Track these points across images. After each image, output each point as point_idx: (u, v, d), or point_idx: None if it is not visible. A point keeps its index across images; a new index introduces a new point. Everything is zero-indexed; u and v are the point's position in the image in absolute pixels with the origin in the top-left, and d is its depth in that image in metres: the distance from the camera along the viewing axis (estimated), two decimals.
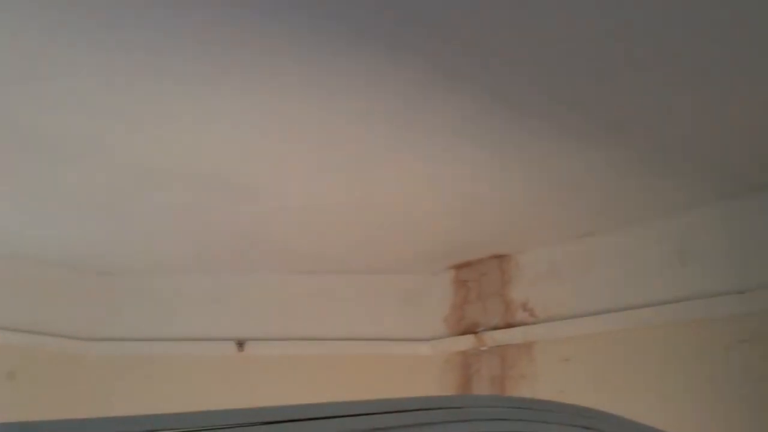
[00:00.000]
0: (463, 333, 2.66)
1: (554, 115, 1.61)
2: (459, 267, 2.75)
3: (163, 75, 1.46)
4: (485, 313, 2.61)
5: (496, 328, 2.54)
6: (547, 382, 2.32)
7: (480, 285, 2.65)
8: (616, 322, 2.17)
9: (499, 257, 2.60)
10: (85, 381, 2.78)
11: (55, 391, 2.75)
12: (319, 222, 2.35)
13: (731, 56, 1.35)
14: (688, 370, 1.95)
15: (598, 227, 2.26)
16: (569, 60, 1.38)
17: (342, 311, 2.86)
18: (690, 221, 2.07)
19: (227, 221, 2.34)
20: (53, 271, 2.83)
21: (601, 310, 2.22)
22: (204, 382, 2.75)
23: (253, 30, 1.31)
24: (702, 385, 1.93)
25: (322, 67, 1.43)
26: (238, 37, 1.33)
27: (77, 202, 2.19)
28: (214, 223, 2.36)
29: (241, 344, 2.85)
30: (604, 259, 2.27)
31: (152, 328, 2.83)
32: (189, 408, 0.81)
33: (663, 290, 2.08)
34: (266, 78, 1.47)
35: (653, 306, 2.09)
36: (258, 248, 2.61)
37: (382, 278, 2.86)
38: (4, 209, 2.28)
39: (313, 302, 2.89)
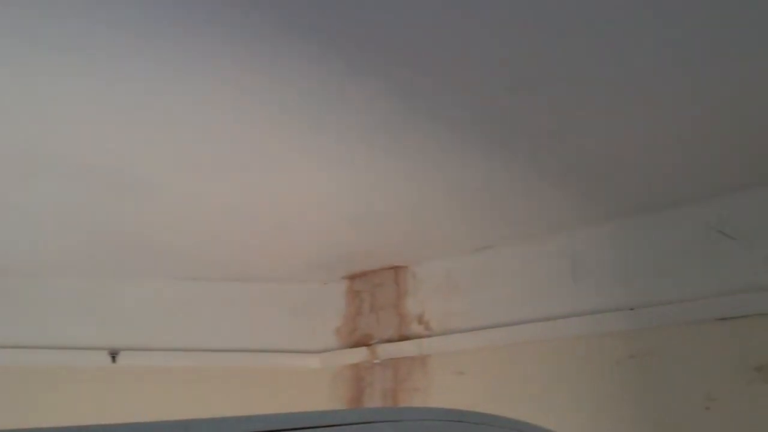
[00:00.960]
0: (356, 345, 2.60)
1: (460, 125, 1.58)
2: (353, 277, 2.69)
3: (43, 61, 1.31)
4: (379, 326, 2.56)
5: (389, 340, 2.50)
6: (440, 395, 2.31)
7: (374, 296, 2.61)
8: (511, 336, 2.19)
9: (396, 268, 2.57)
10: None
11: None
12: (208, 225, 2.21)
13: (627, 77, 1.39)
14: (579, 385, 2.00)
15: (496, 240, 2.29)
16: (481, 71, 1.36)
17: (226, 321, 2.72)
18: (583, 238, 2.13)
19: (112, 220, 2.15)
20: None
21: (496, 323, 2.23)
22: (75, 393, 2.51)
23: (148, 24, 1.20)
24: (592, 399, 1.98)
25: (225, 62, 1.33)
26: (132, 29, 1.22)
27: None
28: (97, 222, 2.16)
29: (114, 354, 2.64)
30: (501, 272, 2.29)
31: (22, 334, 2.55)
32: (59, 422, 0.73)
33: (556, 305, 2.13)
34: (165, 71, 1.36)
35: (546, 321, 2.13)
36: (142, 251, 2.42)
37: (271, 287, 2.75)
38: None
39: (195, 310, 2.72)
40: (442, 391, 2.32)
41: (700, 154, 1.71)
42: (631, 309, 1.97)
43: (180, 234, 2.28)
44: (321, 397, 2.58)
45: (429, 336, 2.40)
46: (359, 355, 2.57)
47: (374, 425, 0.74)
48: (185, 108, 1.52)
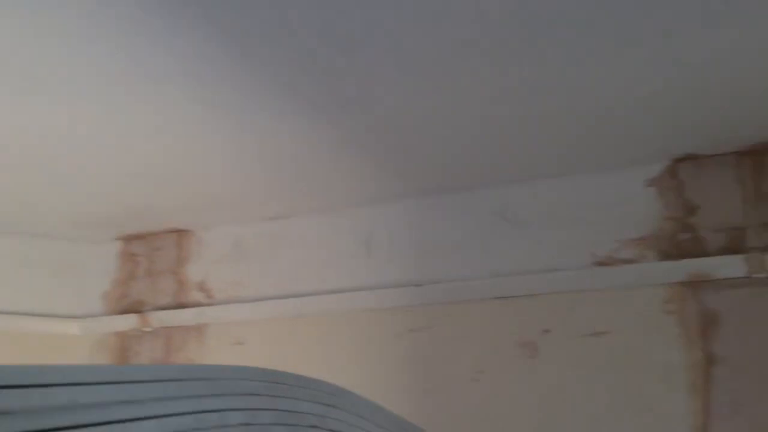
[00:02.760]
0: (125, 312, 2.39)
1: (261, 83, 1.49)
2: (129, 239, 2.47)
3: None
4: (154, 292, 2.38)
5: (165, 308, 2.33)
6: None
7: (152, 260, 2.41)
8: (297, 307, 2.15)
9: (179, 232, 2.40)
10: None
11: None
12: None
13: (455, 52, 1.41)
14: (359, 357, 2.02)
15: (292, 210, 2.23)
16: (290, 29, 1.29)
17: None
18: (380, 214, 2.16)
19: None
20: None
21: (283, 294, 2.18)
22: None
23: None
24: (370, 371, 2.02)
25: None
26: None
27: None
28: None
29: None
30: (294, 243, 2.24)
31: None
32: None
33: (345, 279, 2.13)
34: None
35: (334, 293, 2.13)
36: None
37: (30, 243, 2.42)
38: None
39: None
40: (217, 362, 2.22)
41: (489, 143, 1.81)
42: (418, 285, 2.04)
43: None
44: None
45: (210, 305, 2.28)
46: (127, 322, 2.36)
47: (185, 383, 0.65)
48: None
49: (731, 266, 1.76)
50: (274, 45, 1.36)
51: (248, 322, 2.20)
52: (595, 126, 1.74)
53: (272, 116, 1.65)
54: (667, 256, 1.83)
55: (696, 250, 1.81)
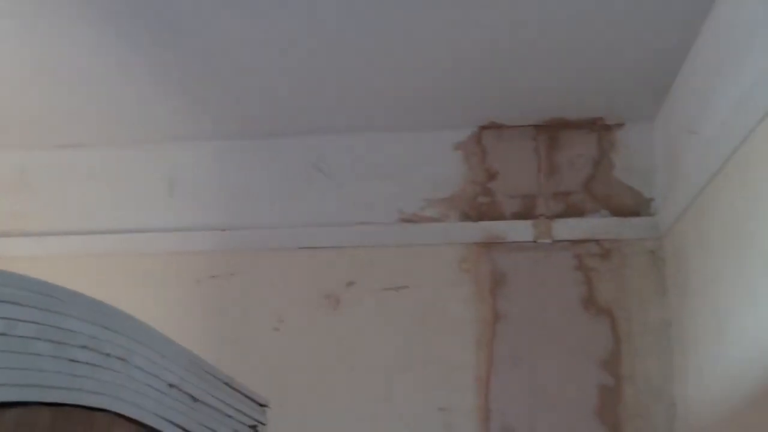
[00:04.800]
0: None
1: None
2: None
3: None
4: None
5: None
6: None
7: None
8: (87, 245, 1.99)
9: None
10: None
11: None
12: None
13: None
14: (159, 302, 1.90)
15: (89, 139, 2.03)
16: None
17: None
18: (186, 152, 2.05)
19: None
20: None
21: (73, 230, 2.00)
22: None
23: None
24: (167, 316, 1.91)
25: None
26: None
27: None
28: None
29: None
30: (87, 175, 2.06)
31: None
32: None
33: (147, 218, 2.01)
34: None
35: (132, 233, 1.99)
36: None
37: None
38: None
39: None
40: None
41: (306, 93, 1.78)
42: (223, 230, 1.97)
43: None
44: None
45: None
46: None
47: None
48: None
49: (521, 231, 1.89)
50: None
51: (31, 257, 1.98)
52: (410, 87, 1.78)
53: (71, 24, 1.49)
54: (466, 217, 1.93)
55: (492, 213, 1.93)
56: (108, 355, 0.74)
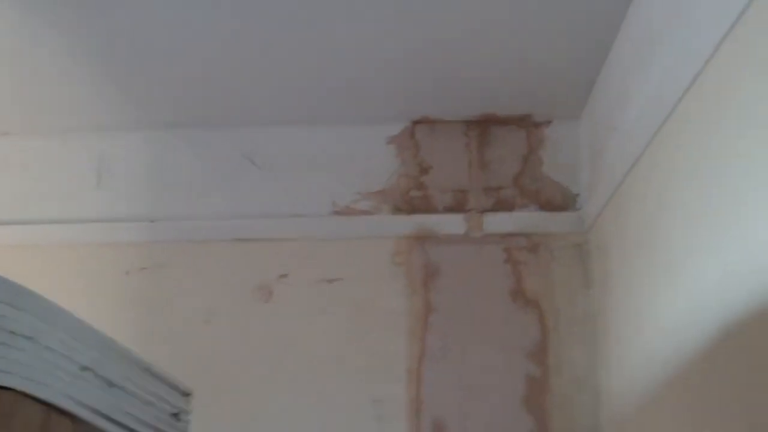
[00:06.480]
0: None
1: None
2: None
3: None
4: None
5: None
6: None
7: None
8: (11, 236, 1.93)
9: None
10: None
11: None
12: None
13: None
14: (87, 295, 1.86)
15: (11, 126, 1.97)
16: None
17: None
18: (115, 141, 2.01)
19: None
20: None
21: (2, 221, 1.94)
22: None
23: None
24: (99, 309, 1.86)
25: None
26: None
27: None
28: None
29: None
30: (11, 164, 2.00)
31: None
32: None
33: (73, 209, 1.96)
34: None
35: (58, 224, 1.95)
36: None
37: None
38: None
39: None
40: None
41: (240, 84, 1.78)
42: (153, 221, 1.94)
43: None
44: None
45: None
46: None
47: None
48: None
49: (453, 224, 1.92)
50: None
51: None
52: (344, 80, 1.79)
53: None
54: (399, 210, 1.95)
55: (425, 207, 1.95)
56: (13, 333, 0.73)
